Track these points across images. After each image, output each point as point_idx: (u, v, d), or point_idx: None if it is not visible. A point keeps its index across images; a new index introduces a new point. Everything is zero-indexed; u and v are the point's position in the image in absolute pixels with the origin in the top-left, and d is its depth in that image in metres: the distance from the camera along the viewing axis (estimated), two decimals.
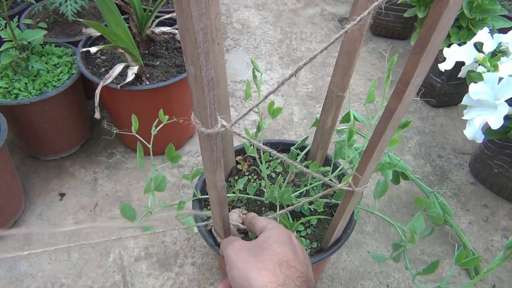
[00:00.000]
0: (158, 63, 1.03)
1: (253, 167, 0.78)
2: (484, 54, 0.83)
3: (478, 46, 0.85)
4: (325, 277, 0.88)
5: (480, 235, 0.97)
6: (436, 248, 0.94)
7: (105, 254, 0.90)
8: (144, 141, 0.61)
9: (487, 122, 0.76)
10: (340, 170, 0.69)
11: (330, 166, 0.70)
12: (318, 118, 0.68)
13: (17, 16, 1.05)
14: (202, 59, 0.31)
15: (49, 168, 1.07)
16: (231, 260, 0.44)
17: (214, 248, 0.62)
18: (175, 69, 1.02)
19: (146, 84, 0.95)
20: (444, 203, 0.87)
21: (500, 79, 0.74)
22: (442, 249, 0.94)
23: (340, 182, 0.52)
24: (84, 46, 1.02)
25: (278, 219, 0.64)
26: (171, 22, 1.12)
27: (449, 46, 0.90)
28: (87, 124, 1.14)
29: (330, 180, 0.54)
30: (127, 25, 0.94)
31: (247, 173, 0.77)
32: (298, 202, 0.60)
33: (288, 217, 0.67)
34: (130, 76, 0.92)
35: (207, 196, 0.68)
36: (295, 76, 0.33)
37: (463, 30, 1.09)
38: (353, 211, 0.64)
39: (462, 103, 0.81)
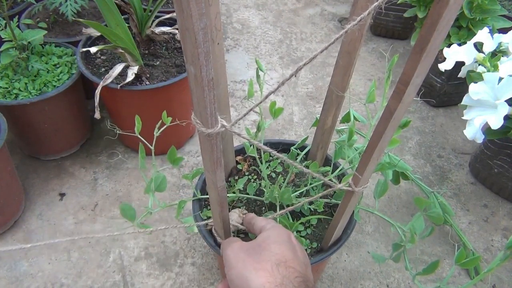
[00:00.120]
0: (158, 63, 1.03)
1: (253, 167, 0.78)
2: (484, 54, 0.83)
3: (478, 46, 0.85)
4: (325, 277, 0.88)
5: (480, 235, 0.97)
6: (436, 248, 0.94)
7: (105, 254, 0.90)
8: (146, 142, 0.61)
9: (487, 122, 0.76)
10: (340, 170, 0.69)
11: (330, 166, 0.70)
12: (318, 118, 0.68)
13: (17, 16, 1.05)
14: (202, 59, 0.31)
15: (49, 168, 1.07)
16: (229, 261, 0.44)
17: (214, 248, 0.62)
18: (175, 69, 1.02)
19: (146, 84, 0.95)
20: (444, 203, 0.87)
21: (500, 79, 0.74)
22: (442, 249, 0.94)
23: (340, 182, 0.52)
24: (84, 46, 1.02)
25: (278, 219, 0.64)
26: (171, 22, 1.12)
27: (449, 46, 0.90)
28: (87, 124, 1.14)
29: (330, 180, 0.54)
30: (127, 25, 0.94)
31: (247, 173, 0.77)
32: (298, 202, 0.60)
33: (288, 217, 0.67)
34: (130, 76, 0.92)
35: (207, 196, 0.69)
36: (295, 76, 0.33)
37: (463, 30, 1.09)
38: (353, 211, 0.64)
39: (462, 103, 0.81)
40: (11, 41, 0.93)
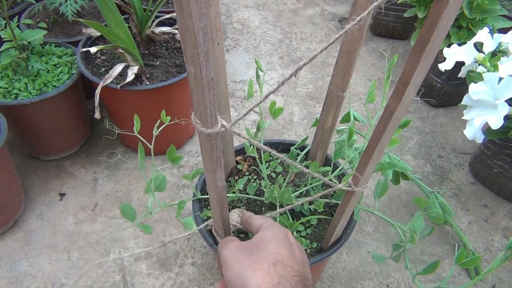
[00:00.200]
0: (158, 63, 1.03)
1: (253, 167, 0.78)
2: (484, 54, 0.83)
3: (478, 46, 0.85)
4: (325, 277, 0.88)
5: (480, 235, 0.97)
6: (436, 248, 0.94)
7: (105, 254, 0.90)
8: (146, 142, 0.61)
9: (487, 122, 0.76)
10: (340, 170, 0.69)
11: (330, 166, 0.70)
12: (318, 118, 0.68)
13: (17, 16, 1.05)
14: (202, 59, 0.31)
15: (49, 168, 1.07)
16: (226, 261, 0.44)
17: (214, 248, 0.62)
18: (175, 69, 1.02)
19: (146, 84, 0.95)
20: (444, 203, 0.87)
21: (500, 79, 0.74)
22: (442, 249, 0.94)
23: (340, 182, 0.52)
24: (84, 46, 1.02)
25: (278, 219, 0.64)
26: (171, 22, 1.12)
27: (449, 46, 0.90)
28: (87, 124, 1.14)
29: (330, 180, 0.54)
30: (127, 25, 0.94)
31: (247, 173, 0.77)
32: (298, 202, 0.60)
33: (288, 217, 0.67)
34: (130, 76, 0.92)
35: (207, 196, 0.69)
36: (295, 76, 0.33)
37: (463, 30, 1.09)
38: (353, 211, 0.64)
39: (462, 103, 0.81)
40: (11, 41, 0.93)
